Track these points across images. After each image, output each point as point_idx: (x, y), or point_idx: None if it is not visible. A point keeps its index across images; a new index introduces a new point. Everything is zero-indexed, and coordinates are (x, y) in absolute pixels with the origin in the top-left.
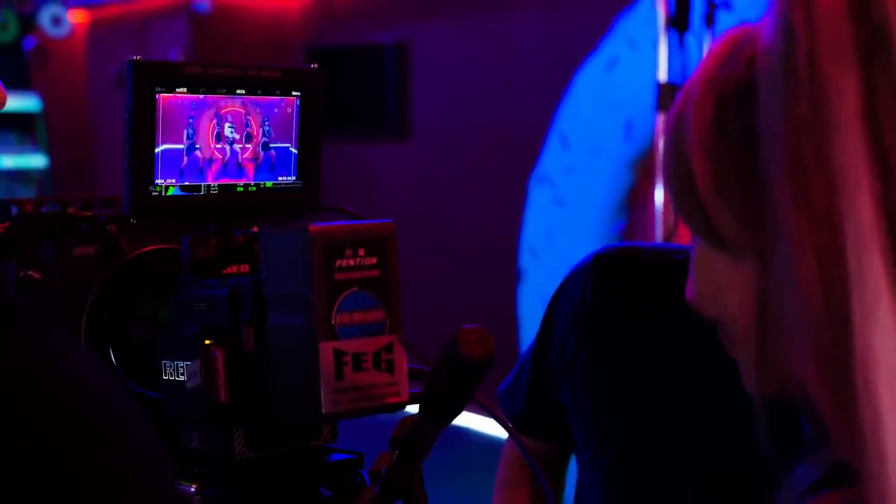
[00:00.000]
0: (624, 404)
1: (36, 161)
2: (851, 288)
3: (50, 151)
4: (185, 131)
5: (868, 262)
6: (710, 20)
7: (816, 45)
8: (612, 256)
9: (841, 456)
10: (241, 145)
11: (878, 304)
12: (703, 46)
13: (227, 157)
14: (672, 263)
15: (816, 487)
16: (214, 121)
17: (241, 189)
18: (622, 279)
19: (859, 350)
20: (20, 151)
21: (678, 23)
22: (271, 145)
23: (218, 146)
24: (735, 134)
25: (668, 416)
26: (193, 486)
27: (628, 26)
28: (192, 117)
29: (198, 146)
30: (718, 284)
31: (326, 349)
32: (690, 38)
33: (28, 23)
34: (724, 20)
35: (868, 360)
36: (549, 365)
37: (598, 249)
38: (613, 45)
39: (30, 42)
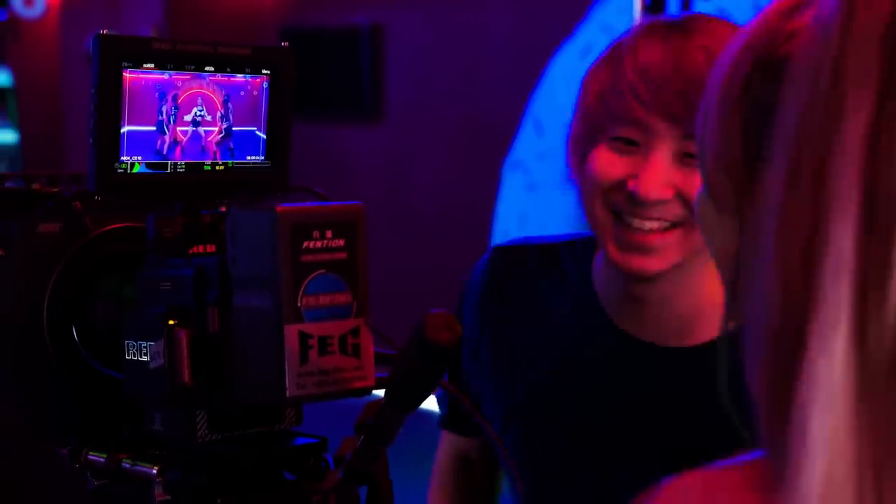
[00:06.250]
0: (523, 385)
1: (6, 137)
2: (814, 309)
3: (20, 127)
4: (151, 111)
5: (838, 289)
6: (686, 7)
7: (844, 64)
8: (508, 247)
9: (769, 457)
10: (205, 128)
11: (836, 333)
12: None
13: (187, 141)
14: (556, 248)
15: None
16: (179, 103)
17: (209, 167)
18: (515, 267)
19: (806, 370)
20: None
21: (654, 10)
22: (234, 129)
23: (182, 129)
24: (750, 101)
25: (565, 393)
26: (155, 468)
27: (604, 13)
28: (158, 96)
29: (163, 126)
30: (708, 225)
31: (292, 332)
32: None
33: None
34: (701, 7)
35: (810, 382)
36: (462, 358)
37: (497, 243)
38: (589, 32)
39: (1, 15)
